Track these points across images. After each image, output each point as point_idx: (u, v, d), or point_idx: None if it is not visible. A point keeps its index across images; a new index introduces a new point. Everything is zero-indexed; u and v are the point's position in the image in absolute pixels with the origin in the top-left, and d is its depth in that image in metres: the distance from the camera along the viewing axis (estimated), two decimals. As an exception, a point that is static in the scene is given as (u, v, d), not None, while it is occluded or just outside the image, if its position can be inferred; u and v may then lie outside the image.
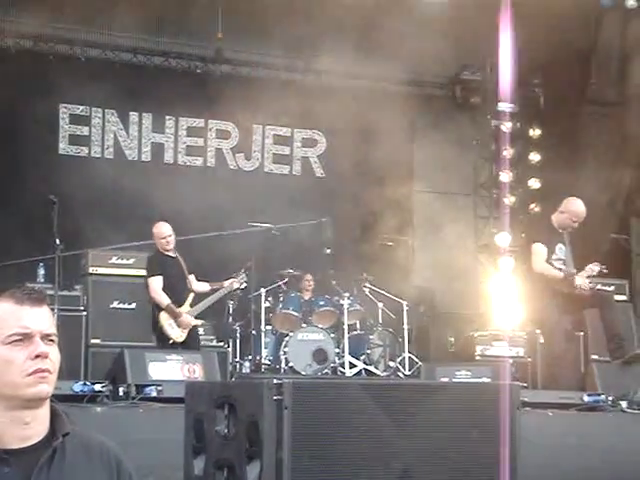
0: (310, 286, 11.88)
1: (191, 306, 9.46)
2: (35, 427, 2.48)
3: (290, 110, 13.25)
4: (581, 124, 14.47)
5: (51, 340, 2.51)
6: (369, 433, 3.73)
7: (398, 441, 3.76)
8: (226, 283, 9.82)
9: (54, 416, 2.54)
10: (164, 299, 9.30)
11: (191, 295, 9.46)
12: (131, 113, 13.60)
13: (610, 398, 8.65)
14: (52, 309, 7.78)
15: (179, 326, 9.32)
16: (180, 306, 9.35)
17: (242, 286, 10.13)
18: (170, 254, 9.54)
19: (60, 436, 2.50)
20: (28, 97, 12.31)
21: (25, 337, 2.47)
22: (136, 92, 13.16)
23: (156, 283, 9.37)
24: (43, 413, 2.50)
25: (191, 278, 9.62)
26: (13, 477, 2.42)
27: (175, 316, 9.26)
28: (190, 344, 9.40)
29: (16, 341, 2.46)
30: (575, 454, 6.79)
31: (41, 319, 2.51)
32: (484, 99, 14.31)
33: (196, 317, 9.90)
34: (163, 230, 9.54)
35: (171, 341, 9.33)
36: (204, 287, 9.69)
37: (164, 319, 9.31)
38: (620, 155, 14.21)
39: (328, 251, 11.25)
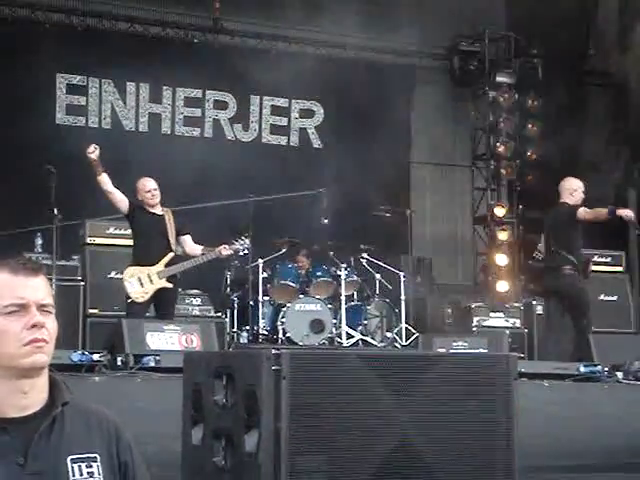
0: (304, 266, 11.83)
1: (167, 267, 9.13)
2: (34, 396, 2.49)
3: (287, 81, 13.20)
4: (579, 95, 14.45)
5: (47, 310, 2.50)
6: (366, 403, 3.75)
7: (395, 411, 3.77)
8: (218, 249, 9.39)
9: (53, 385, 2.55)
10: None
11: (169, 255, 9.14)
12: (128, 83, 13.55)
13: (606, 369, 8.70)
14: (50, 279, 7.76)
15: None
16: (153, 265, 9.08)
17: (242, 252, 9.72)
18: (154, 211, 9.29)
19: (59, 405, 2.51)
20: (25, 66, 12.26)
21: (21, 307, 2.46)
22: (133, 62, 13.08)
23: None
24: (41, 382, 2.51)
25: (186, 239, 9.34)
26: (12, 445, 2.42)
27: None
28: (159, 307, 9.10)
29: (12, 312, 2.46)
30: (571, 424, 6.83)
31: (37, 289, 2.51)
32: (482, 70, 14.27)
33: (192, 287, 9.87)
34: (148, 183, 9.31)
35: (130, 300, 9.02)
36: (196, 250, 9.37)
37: (127, 274, 9.07)
38: (618, 125, 14.21)
39: (325, 221, 11.24)
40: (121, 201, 9.20)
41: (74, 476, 2.46)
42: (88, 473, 2.48)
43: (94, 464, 2.49)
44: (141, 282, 9.05)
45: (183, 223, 9.39)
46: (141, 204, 9.28)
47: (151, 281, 9.07)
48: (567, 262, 9.62)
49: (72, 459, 2.47)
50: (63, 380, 2.59)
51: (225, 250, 9.30)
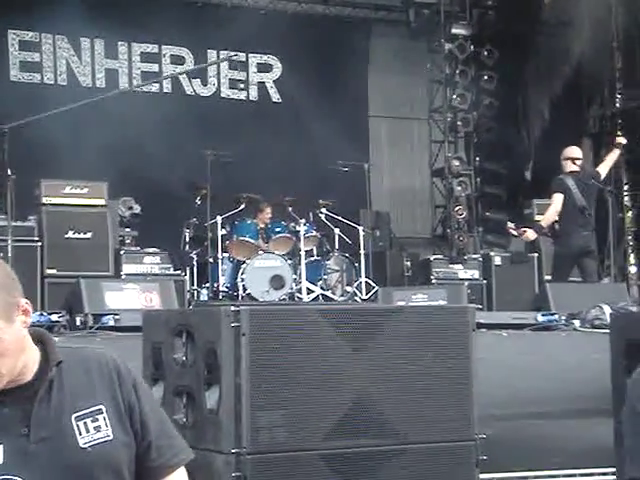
0: (268, 218, 11.81)
1: None
2: (23, 369, 2.39)
3: (244, 35, 13.10)
4: (534, 44, 14.47)
5: None
6: (326, 358, 3.77)
7: (354, 365, 3.80)
8: None
9: (45, 343, 2.45)
10: None
11: None
12: (82, 39, 13.38)
13: (563, 317, 8.80)
14: (5, 240, 7.57)
15: None
16: None
17: None
18: None
19: (52, 367, 2.41)
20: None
21: None
22: (86, 17, 12.89)
23: None
24: (26, 355, 2.39)
25: None
26: (13, 417, 2.35)
27: None
28: None
29: None
30: (530, 373, 6.91)
31: None
32: (438, 22, 14.21)
33: (150, 245, 9.74)
34: None
35: None
36: None
37: None
38: (572, 75, 14.27)
39: None
40: None
41: (81, 435, 2.39)
42: (94, 428, 2.41)
43: (100, 416, 2.42)
44: None
45: None
46: None
47: None
48: None
49: (76, 417, 2.40)
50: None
51: None
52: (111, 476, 2.41)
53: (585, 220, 10.26)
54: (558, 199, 10.21)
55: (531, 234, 10.54)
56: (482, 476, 4.10)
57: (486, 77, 14.25)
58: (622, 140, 11.35)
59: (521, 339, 8.14)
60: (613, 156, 10.97)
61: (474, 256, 12.46)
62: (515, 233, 10.82)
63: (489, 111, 14.34)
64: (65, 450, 2.37)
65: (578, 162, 10.47)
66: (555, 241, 10.56)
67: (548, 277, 11.17)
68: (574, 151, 10.60)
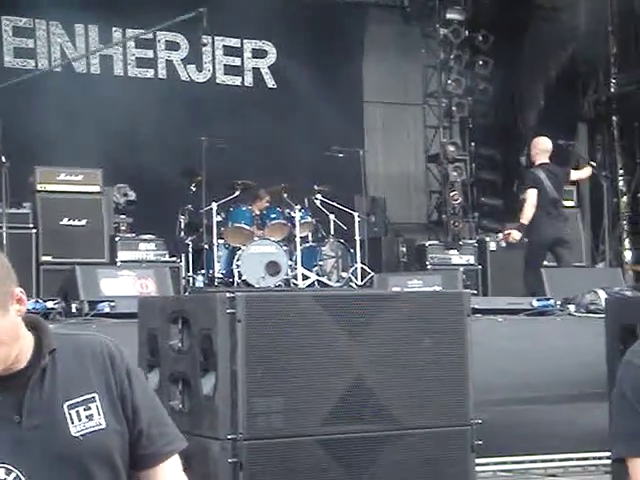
0: (264, 204, 11.78)
1: None
2: (18, 356, 2.38)
3: (238, 20, 13.06)
4: (529, 29, 14.44)
5: None
6: (322, 344, 3.78)
7: (350, 351, 3.81)
8: None
9: (39, 330, 2.43)
10: None
11: None
12: (76, 25, 13.32)
13: (558, 302, 8.82)
14: (0, 227, 7.53)
15: None
16: None
17: None
18: None
19: (46, 354, 2.40)
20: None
21: None
22: (80, 3, 12.85)
23: None
24: (20, 343, 2.39)
25: None
26: (6, 404, 2.35)
27: None
28: None
29: None
30: (525, 357, 6.93)
31: None
32: (432, 7, 14.18)
33: (146, 232, 9.74)
34: None
35: None
36: None
37: None
38: (566, 61, 14.25)
39: None
40: None
41: (73, 423, 2.38)
42: (87, 417, 2.40)
43: (92, 405, 2.41)
44: None
45: None
46: None
47: None
48: None
49: (69, 405, 2.39)
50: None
51: None
52: (103, 465, 2.41)
53: (557, 211, 10.43)
54: (532, 194, 10.32)
55: (516, 234, 10.59)
56: (478, 460, 4.12)
57: (481, 62, 14.22)
58: (593, 164, 11.76)
59: (516, 324, 8.14)
60: (586, 172, 11.30)
61: (469, 241, 12.47)
62: (503, 243, 11.05)
63: (484, 96, 14.32)
64: (57, 438, 2.37)
65: (548, 153, 10.55)
66: (527, 233, 10.60)
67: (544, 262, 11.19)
68: (544, 142, 10.63)
